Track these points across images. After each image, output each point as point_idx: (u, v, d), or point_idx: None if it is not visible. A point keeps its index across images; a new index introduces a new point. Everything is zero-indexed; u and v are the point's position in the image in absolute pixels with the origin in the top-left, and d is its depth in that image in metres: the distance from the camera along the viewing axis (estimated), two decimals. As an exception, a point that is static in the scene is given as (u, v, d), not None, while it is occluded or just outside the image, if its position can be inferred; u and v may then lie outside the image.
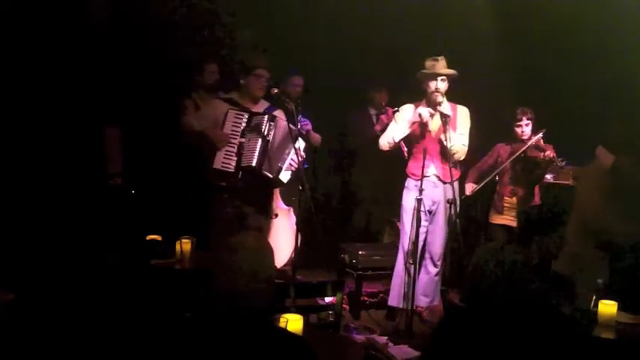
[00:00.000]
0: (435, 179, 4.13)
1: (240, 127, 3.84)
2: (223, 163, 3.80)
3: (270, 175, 3.89)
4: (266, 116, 3.85)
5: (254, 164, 3.80)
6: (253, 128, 3.84)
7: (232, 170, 3.81)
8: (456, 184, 4.19)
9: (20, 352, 2.20)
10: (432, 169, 4.11)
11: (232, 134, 3.83)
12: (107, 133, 4.41)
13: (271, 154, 3.87)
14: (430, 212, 4.16)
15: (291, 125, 3.93)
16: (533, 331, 1.42)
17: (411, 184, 4.19)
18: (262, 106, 4.03)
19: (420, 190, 3.97)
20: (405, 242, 4.14)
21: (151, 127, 4.32)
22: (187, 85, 4.45)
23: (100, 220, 3.92)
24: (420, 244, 4.12)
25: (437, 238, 4.18)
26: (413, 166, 4.20)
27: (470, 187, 4.55)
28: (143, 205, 4.22)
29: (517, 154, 4.40)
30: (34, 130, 3.93)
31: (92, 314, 2.70)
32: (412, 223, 4.09)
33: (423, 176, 3.98)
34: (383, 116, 5.13)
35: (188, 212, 4.01)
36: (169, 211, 4.01)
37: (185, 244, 3.25)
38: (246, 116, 3.86)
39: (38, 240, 3.39)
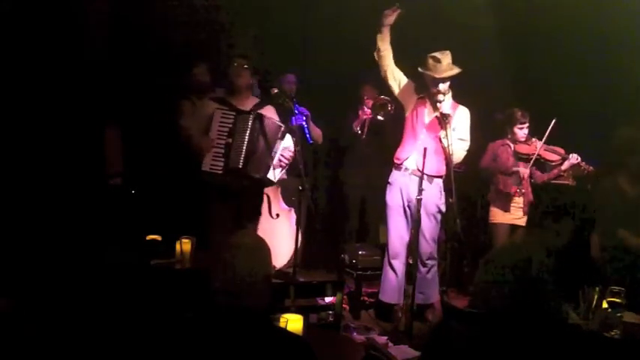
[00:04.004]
0: (416, 173, 3.97)
1: (227, 126, 3.78)
2: (212, 165, 3.76)
3: (257, 176, 3.85)
4: (251, 115, 3.79)
5: (240, 166, 3.76)
6: (239, 128, 3.78)
7: (221, 172, 3.77)
8: (439, 180, 4.10)
9: (19, 351, 2.20)
10: (412, 162, 4.00)
11: (219, 135, 3.77)
12: (107, 133, 4.41)
13: (258, 154, 3.82)
14: (410, 208, 4.05)
15: (278, 122, 3.90)
16: (534, 331, 1.41)
17: (392, 177, 4.15)
18: (252, 102, 3.96)
19: (420, 190, 3.91)
20: (389, 240, 4.13)
21: (151, 127, 4.32)
22: (183, 85, 4.45)
23: (100, 220, 3.91)
24: (404, 242, 4.09)
25: (420, 237, 4.05)
26: (397, 151, 4.16)
27: (525, 171, 4.57)
28: (143, 205, 4.22)
29: (534, 156, 4.53)
30: (35, 130, 3.93)
31: (92, 314, 2.70)
32: (395, 220, 4.09)
33: (422, 174, 3.92)
34: (360, 112, 5.12)
35: (188, 212, 4.00)
36: (169, 211, 4.01)
37: (185, 244, 3.26)
38: (233, 115, 3.80)
39: (38, 240, 3.38)
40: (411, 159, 4.03)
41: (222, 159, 3.77)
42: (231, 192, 3.85)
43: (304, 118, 4.57)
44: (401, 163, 4.10)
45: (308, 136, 4.60)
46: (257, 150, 3.81)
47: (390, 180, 4.17)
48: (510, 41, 5.40)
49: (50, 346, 2.35)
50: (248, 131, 3.76)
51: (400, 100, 4.24)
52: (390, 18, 4.09)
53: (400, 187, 4.08)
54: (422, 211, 3.98)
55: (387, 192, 4.17)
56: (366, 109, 5.03)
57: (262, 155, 3.83)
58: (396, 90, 4.19)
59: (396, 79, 4.17)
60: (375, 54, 4.14)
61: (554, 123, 4.49)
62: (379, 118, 4.86)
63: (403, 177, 4.07)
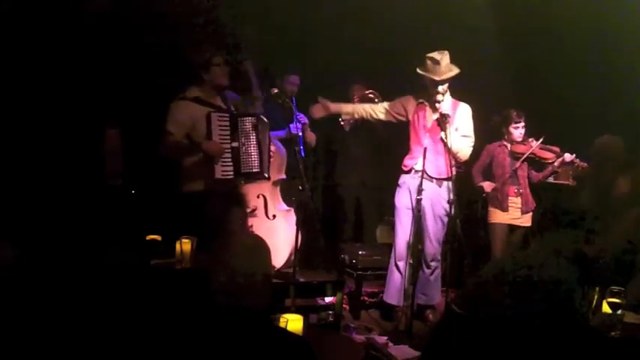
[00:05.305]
0: (424, 175, 4.01)
1: (227, 129, 3.74)
2: (223, 171, 3.71)
3: (267, 175, 3.89)
4: (252, 118, 3.79)
5: (257, 169, 3.78)
6: (244, 131, 3.76)
7: (232, 176, 3.76)
8: (448, 183, 4.09)
9: (19, 352, 2.20)
10: (420, 165, 4.03)
11: (222, 139, 3.72)
12: (107, 133, 4.41)
13: (263, 154, 3.84)
14: (418, 211, 4.04)
15: (263, 117, 3.90)
16: (536, 332, 1.41)
17: (401, 180, 4.18)
18: (220, 98, 3.91)
19: (420, 190, 3.93)
20: (396, 241, 4.15)
21: (150, 127, 4.32)
22: (188, 84, 4.44)
23: (100, 220, 3.91)
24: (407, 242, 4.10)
25: (426, 239, 4.10)
26: (405, 159, 4.20)
27: (489, 185, 4.61)
28: (143, 205, 4.22)
29: (527, 153, 4.52)
30: (35, 131, 3.93)
31: (92, 314, 2.69)
32: (402, 221, 4.10)
33: (423, 175, 3.95)
34: None
35: (187, 212, 4.00)
36: (169, 211, 4.00)
37: (185, 244, 3.25)
38: (228, 117, 3.76)
39: (37, 240, 3.38)
40: (420, 162, 4.04)
41: (231, 163, 3.74)
42: (241, 195, 3.92)
43: (301, 126, 4.57)
44: (409, 170, 4.12)
45: (302, 147, 4.58)
46: (262, 150, 3.83)
47: (399, 182, 4.20)
48: (510, 41, 5.40)
49: (50, 346, 2.35)
50: (255, 134, 3.78)
51: (398, 117, 4.23)
52: (319, 114, 4.25)
53: (409, 189, 4.09)
54: (429, 213, 4.06)
55: (396, 194, 4.19)
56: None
57: (265, 155, 3.87)
58: (384, 116, 4.25)
59: (381, 111, 4.26)
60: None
61: (544, 138, 4.55)
62: None
63: (412, 179, 4.08)
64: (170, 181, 4.20)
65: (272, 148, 4.04)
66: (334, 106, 4.29)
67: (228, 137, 3.74)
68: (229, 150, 3.74)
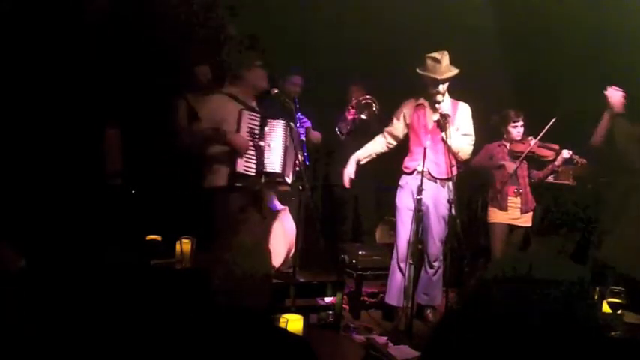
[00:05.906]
0: (426, 176, 4.00)
1: (255, 129, 3.81)
2: (245, 166, 3.76)
3: (289, 180, 3.93)
4: (283, 122, 3.87)
5: (279, 170, 3.83)
6: (272, 133, 3.83)
7: (254, 174, 3.79)
8: (449, 183, 4.09)
9: (19, 352, 2.20)
10: (421, 166, 4.01)
11: (249, 137, 3.80)
12: (107, 133, 4.41)
13: (287, 159, 3.90)
14: (419, 211, 4.03)
15: (293, 125, 3.97)
16: (537, 332, 1.41)
17: (402, 181, 4.17)
18: (253, 99, 3.99)
19: (420, 190, 3.93)
20: (398, 242, 4.15)
21: (150, 127, 4.32)
22: (182, 85, 4.45)
23: (99, 220, 3.91)
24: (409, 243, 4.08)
25: (429, 239, 4.11)
26: (405, 160, 4.19)
27: (511, 166, 4.55)
28: (143, 205, 4.22)
29: (526, 152, 4.49)
30: (35, 130, 3.93)
31: (92, 315, 2.69)
32: (404, 222, 4.10)
33: (423, 175, 3.95)
34: (347, 113, 5.11)
35: (188, 212, 4.00)
36: (169, 211, 4.01)
37: (185, 244, 3.26)
38: (259, 118, 3.84)
39: (37, 240, 3.38)
40: (422, 163, 4.02)
41: (254, 160, 3.79)
42: (261, 193, 3.94)
43: (304, 130, 4.57)
44: (412, 171, 4.11)
45: (306, 155, 4.58)
46: (288, 155, 3.90)
47: (400, 183, 4.19)
48: (510, 41, 5.41)
49: (50, 346, 2.35)
50: (283, 137, 3.84)
51: (403, 132, 4.23)
52: (349, 179, 4.26)
53: (412, 190, 4.07)
54: (432, 214, 4.07)
55: (398, 194, 4.18)
56: (351, 109, 5.02)
57: (289, 159, 3.93)
58: (395, 140, 4.25)
59: (392, 138, 4.25)
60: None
61: (553, 122, 4.48)
62: (362, 117, 4.88)
63: (415, 180, 4.05)
64: (171, 180, 4.21)
65: (299, 157, 4.05)
66: (354, 162, 4.26)
67: (255, 136, 3.80)
68: (254, 148, 3.79)
